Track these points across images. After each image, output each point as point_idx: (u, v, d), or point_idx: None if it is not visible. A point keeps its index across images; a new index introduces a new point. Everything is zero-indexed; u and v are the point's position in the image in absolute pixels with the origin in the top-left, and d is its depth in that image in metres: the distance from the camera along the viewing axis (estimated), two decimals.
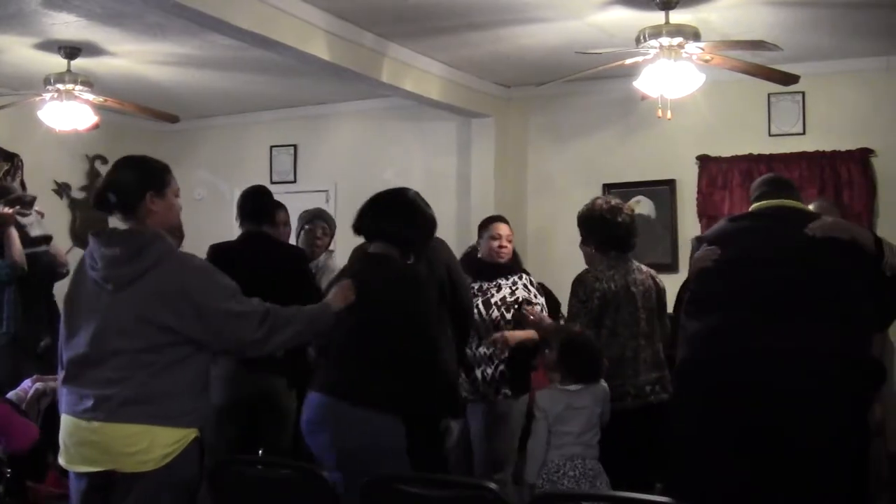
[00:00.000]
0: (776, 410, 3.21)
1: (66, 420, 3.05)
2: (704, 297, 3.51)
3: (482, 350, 4.65)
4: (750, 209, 3.71)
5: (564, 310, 4.63)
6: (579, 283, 4.17)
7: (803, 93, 6.45)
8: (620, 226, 4.24)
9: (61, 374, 3.12)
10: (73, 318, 3.08)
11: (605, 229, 4.25)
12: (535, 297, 4.79)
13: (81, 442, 2.99)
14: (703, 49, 5.02)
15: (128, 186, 3.05)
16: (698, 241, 3.73)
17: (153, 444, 2.94)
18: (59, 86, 6.03)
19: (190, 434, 3.01)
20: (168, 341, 2.98)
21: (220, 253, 4.55)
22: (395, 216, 3.66)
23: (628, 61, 5.27)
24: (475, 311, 4.58)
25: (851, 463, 3.29)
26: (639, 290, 4.19)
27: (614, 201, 4.34)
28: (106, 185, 3.08)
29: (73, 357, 3.04)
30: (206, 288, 3.02)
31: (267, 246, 4.56)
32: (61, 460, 3.08)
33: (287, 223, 5.57)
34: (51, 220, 7.76)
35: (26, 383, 5.06)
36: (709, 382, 3.34)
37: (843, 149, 6.39)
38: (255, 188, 4.80)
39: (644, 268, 4.35)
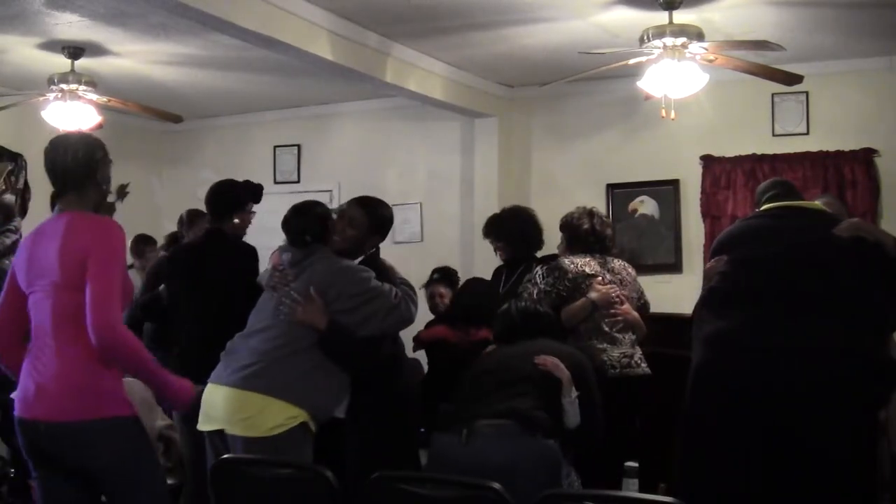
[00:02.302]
0: (789, 409, 3.21)
1: (207, 387, 3.56)
2: (719, 297, 3.51)
3: None
4: (762, 209, 3.69)
5: None
6: (552, 268, 4.59)
7: (807, 93, 6.43)
8: (602, 240, 4.71)
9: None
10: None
11: (585, 243, 4.68)
12: None
13: (210, 404, 3.53)
14: (706, 49, 5.02)
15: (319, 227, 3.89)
16: (716, 246, 3.76)
17: (261, 413, 3.42)
18: (63, 86, 6.03)
19: (300, 416, 3.47)
20: (300, 331, 3.58)
21: (177, 252, 4.87)
22: None
23: (632, 61, 5.26)
24: None
25: (862, 462, 3.29)
26: (616, 278, 4.62)
27: (597, 217, 4.76)
28: (302, 231, 3.85)
29: (237, 334, 3.72)
30: (349, 280, 3.69)
31: (220, 243, 4.47)
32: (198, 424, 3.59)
33: None
34: None
35: None
36: (723, 383, 3.33)
37: (846, 149, 6.38)
38: (216, 184, 4.71)
39: (618, 262, 4.75)
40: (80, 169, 3.05)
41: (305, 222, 3.88)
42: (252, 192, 4.65)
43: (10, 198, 6.12)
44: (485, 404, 3.52)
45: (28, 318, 3.05)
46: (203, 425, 3.59)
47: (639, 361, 4.54)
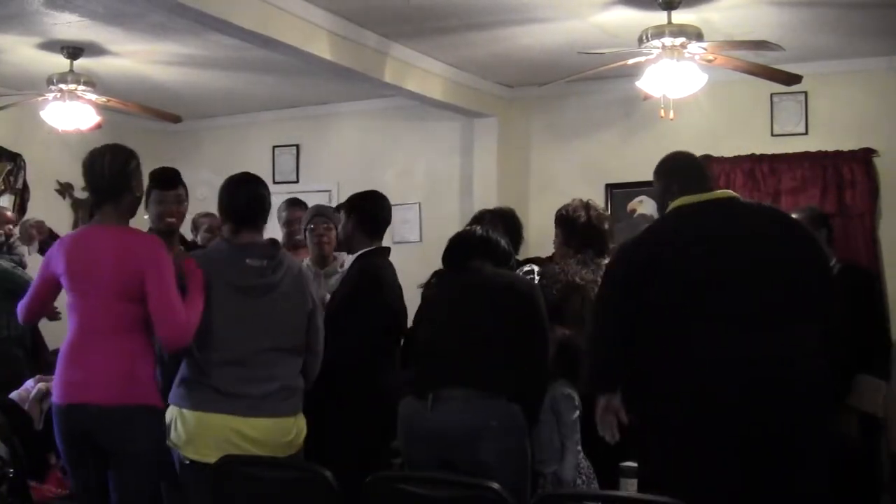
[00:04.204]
0: (772, 418, 3.20)
1: (207, 417, 3.35)
2: (681, 307, 3.33)
3: None
4: (680, 204, 3.50)
5: None
6: (541, 275, 4.38)
7: (806, 93, 6.43)
8: (601, 235, 4.52)
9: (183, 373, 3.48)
10: (207, 324, 3.37)
11: (581, 236, 4.50)
12: None
13: (234, 438, 3.31)
14: (705, 49, 5.02)
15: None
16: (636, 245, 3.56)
17: (299, 431, 3.47)
18: (62, 86, 6.03)
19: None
20: (300, 341, 3.52)
21: None
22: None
23: (631, 61, 5.27)
24: None
25: (826, 455, 3.31)
26: None
27: (594, 210, 4.58)
28: (264, 203, 3.59)
29: (216, 359, 3.38)
30: (315, 294, 3.63)
31: None
32: (189, 453, 3.36)
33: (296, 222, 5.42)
34: (53, 220, 7.79)
35: (29, 384, 5.06)
36: (706, 399, 3.24)
37: (845, 149, 6.38)
38: None
39: None
40: (115, 179, 3.41)
41: (262, 191, 3.63)
42: (151, 180, 4.18)
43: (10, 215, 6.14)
44: (449, 367, 3.47)
45: (49, 307, 3.59)
46: (215, 457, 3.30)
47: None
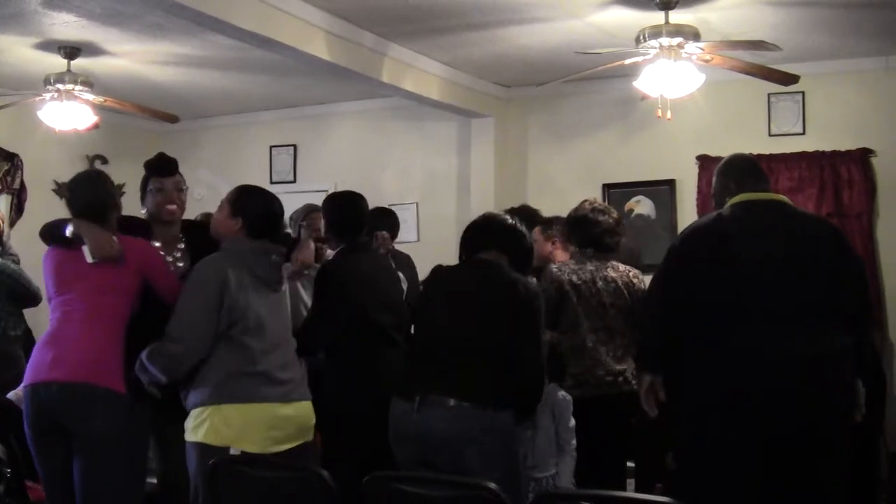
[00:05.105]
0: (800, 417, 3.23)
1: (254, 408, 3.41)
2: (718, 307, 3.39)
3: None
4: (738, 201, 3.57)
5: None
6: (540, 273, 4.36)
7: (803, 93, 6.44)
8: (599, 224, 4.48)
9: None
10: (248, 313, 3.48)
11: (584, 229, 4.49)
12: None
13: (280, 424, 3.45)
14: (702, 49, 5.02)
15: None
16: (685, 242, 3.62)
17: (313, 415, 3.63)
18: (59, 86, 6.02)
19: None
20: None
21: None
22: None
23: (628, 61, 5.27)
24: None
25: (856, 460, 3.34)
26: (609, 286, 4.36)
27: (600, 204, 4.61)
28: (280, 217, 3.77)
29: (263, 346, 3.49)
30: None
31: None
32: (252, 448, 3.36)
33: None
34: (51, 219, 7.78)
35: None
36: (731, 392, 3.30)
37: (842, 149, 6.39)
38: None
39: (623, 267, 4.49)
40: (106, 201, 3.66)
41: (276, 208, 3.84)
42: (148, 169, 3.92)
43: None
44: (437, 373, 3.44)
45: None
46: (279, 445, 3.45)
47: (629, 378, 4.26)
